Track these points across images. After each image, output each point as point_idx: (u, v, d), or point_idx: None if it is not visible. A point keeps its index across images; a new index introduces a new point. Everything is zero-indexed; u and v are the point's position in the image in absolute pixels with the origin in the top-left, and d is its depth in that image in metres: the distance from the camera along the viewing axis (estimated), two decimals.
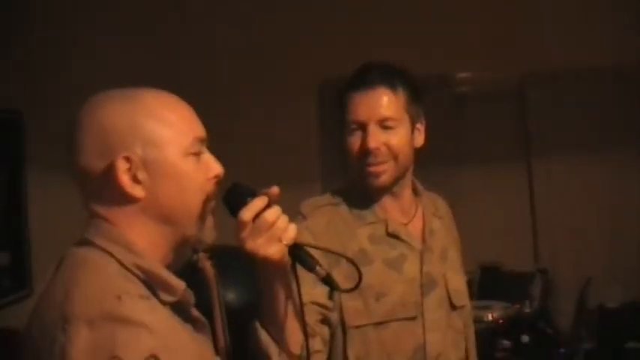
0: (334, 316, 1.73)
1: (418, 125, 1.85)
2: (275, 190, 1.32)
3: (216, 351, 1.33)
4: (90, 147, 1.17)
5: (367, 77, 1.79)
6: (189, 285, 1.23)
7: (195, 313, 1.25)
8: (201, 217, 1.23)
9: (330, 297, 1.71)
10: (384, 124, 1.77)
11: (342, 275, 1.52)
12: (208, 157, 1.25)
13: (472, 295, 3.58)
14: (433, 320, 1.80)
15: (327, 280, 1.36)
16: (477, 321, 3.08)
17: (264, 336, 1.46)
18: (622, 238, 4.28)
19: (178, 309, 1.19)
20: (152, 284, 1.15)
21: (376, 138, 1.75)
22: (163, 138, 1.17)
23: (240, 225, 1.29)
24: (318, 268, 1.34)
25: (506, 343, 3.16)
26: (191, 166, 1.20)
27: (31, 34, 3.34)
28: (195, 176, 1.21)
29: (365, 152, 1.76)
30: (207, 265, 1.34)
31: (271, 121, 4.52)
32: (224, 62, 4.53)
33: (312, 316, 1.62)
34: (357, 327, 1.75)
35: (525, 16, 4.34)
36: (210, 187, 1.24)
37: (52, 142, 3.31)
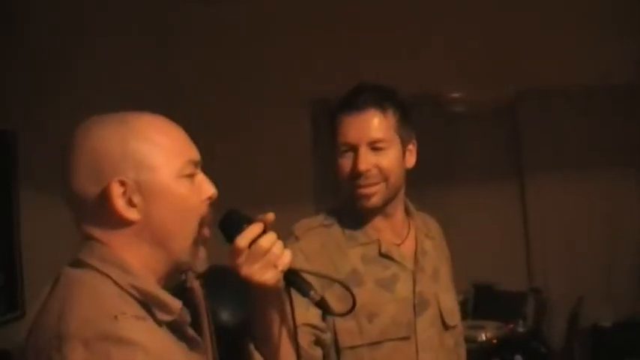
0: (327, 337, 1.73)
1: (410, 146, 1.86)
2: (270, 216, 1.33)
3: None
4: (83, 171, 1.17)
5: (357, 100, 1.79)
6: None
7: (190, 332, 1.25)
8: (195, 242, 1.23)
9: (323, 318, 1.71)
10: (374, 146, 1.77)
11: (335, 297, 1.53)
12: (202, 179, 1.25)
13: (466, 315, 3.59)
14: (426, 340, 1.80)
15: (321, 305, 1.37)
16: (471, 341, 3.09)
17: (258, 358, 1.47)
18: (615, 256, 4.29)
19: (174, 328, 1.19)
20: (148, 304, 1.15)
21: (366, 160, 1.76)
22: (156, 161, 1.18)
23: (236, 251, 1.30)
24: (312, 293, 1.35)
25: None
26: (185, 188, 1.21)
27: (26, 54, 3.35)
28: (189, 198, 1.21)
29: (356, 174, 1.76)
30: (196, 285, 1.34)
31: (264, 141, 4.54)
32: (218, 83, 4.55)
33: (305, 338, 1.62)
34: (351, 348, 1.74)
35: (517, 36, 4.37)
36: (204, 208, 1.24)
37: (46, 163, 3.32)
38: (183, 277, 1.31)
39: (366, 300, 1.72)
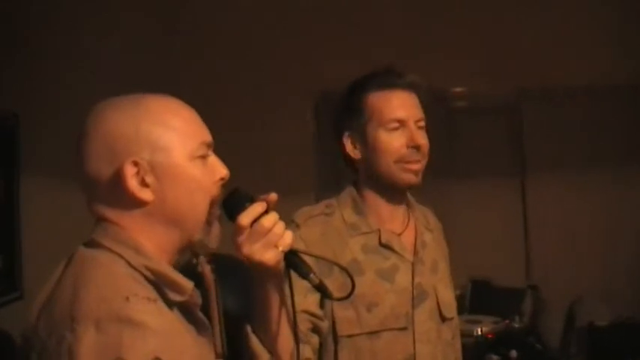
0: (325, 325, 1.74)
1: None
2: (273, 196, 1.35)
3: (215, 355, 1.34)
4: (97, 153, 1.19)
5: (400, 79, 1.84)
6: None
7: (200, 315, 1.26)
8: (208, 221, 1.25)
9: (321, 306, 1.73)
10: (419, 125, 1.82)
11: (334, 285, 1.53)
12: (214, 160, 1.27)
13: (463, 310, 3.60)
14: (423, 332, 1.81)
15: (321, 288, 1.38)
16: (466, 335, 3.09)
17: (255, 341, 1.47)
18: (614, 256, 4.29)
19: (185, 310, 1.21)
20: (161, 285, 1.17)
21: (420, 136, 1.80)
22: (170, 142, 1.20)
23: (238, 229, 1.31)
24: (312, 275, 1.36)
25: (495, 357, 3.16)
26: (198, 169, 1.22)
27: (27, 38, 3.35)
28: (202, 179, 1.23)
29: (412, 148, 1.79)
30: (207, 270, 1.35)
31: (267, 131, 4.53)
32: (221, 72, 4.54)
33: (303, 325, 1.64)
34: (349, 336, 1.76)
35: (521, 32, 4.36)
36: (216, 189, 1.26)
37: (47, 146, 3.34)
38: (194, 261, 1.32)
39: (366, 289, 1.73)
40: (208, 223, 1.25)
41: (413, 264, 1.85)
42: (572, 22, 4.30)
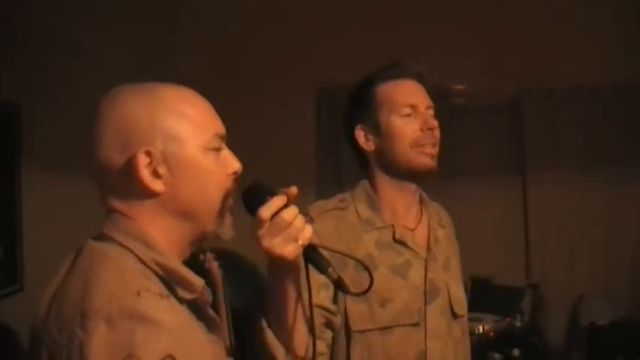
0: (338, 320, 1.73)
1: None
2: (294, 190, 1.33)
3: None
4: (110, 140, 1.16)
5: (410, 69, 1.86)
6: None
7: (210, 312, 1.24)
8: (221, 213, 1.23)
9: (334, 301, 1.72)
10: (429, 112, 1.83)
11: (348, 280, 1.52)
12: (227, 154, 1.25)
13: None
14: (435, 328, 1.81)
15: (338, 283, 1.37)
16: (468, 332, 3.09)
17: (270, 336, 1.48)
18: (614, 255, 4.29)
19: (195, 307, 1.19)
20: (171, 281, 1.15)
21: (434, 119, 1.81)
22: (184, 133, 1.17)
23: (259, 222, 1.30)
24: (330, 269, 1.35)
25: (497, 356, 3.15)
26: (211, 162, 1.20)
27: (29, 27, 3.34)
28: (215, 171, 1.21)
29: (428, 131, 1.79)
30: (215, 266, 1.33)
31: (268, 126, 4.53)
32: (221, 67, 4.53)
33: (316, 320, 1.62)
34: (362, 332, 1.75)
35: (522, 32, 4.37)
36: (229, 182, 1.23)
37: (49, 136, 3.33)
38: (202, 257, 1.31)
39: (380, 285, 1.72)
40: (221, 215, 1.23)
41: (426, 260, 1.84)
42: (572, 21, 4.31)
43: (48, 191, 3.37)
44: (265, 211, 1.30)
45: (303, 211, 1.57)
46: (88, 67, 3.54)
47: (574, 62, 4.29)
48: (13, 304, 3.12)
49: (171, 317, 1.07)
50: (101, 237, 1.17)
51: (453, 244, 2.01)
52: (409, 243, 1.82)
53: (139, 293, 1.06)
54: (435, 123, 1.81)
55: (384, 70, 1.86)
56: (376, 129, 1.83)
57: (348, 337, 1.75)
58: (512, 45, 4.37)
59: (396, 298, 1.76)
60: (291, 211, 1.31)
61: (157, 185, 1.16)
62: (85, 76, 3.53)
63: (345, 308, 1.74)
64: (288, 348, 1.48)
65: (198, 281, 1.18)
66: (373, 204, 1.84)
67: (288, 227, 1.30)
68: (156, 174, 1.15)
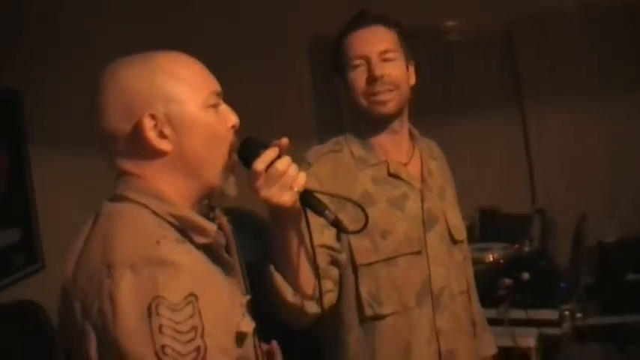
0: (343, 257, 1.82)
1: (410, 66, 1.96)
2: (285, 141, 1.42)
3: None
4: (114, 110, 1.24)
5: (363, 18, 1.90)
6: None
7: (225, 255, 1.33)
8: (226, 168, 1.31)
9: (338, 239, 1.80)
10: (384, 57, 1.87)
11: (348, 218, 1.61)
12: (225, 109, 1.34)
13: (473, 238, 3.65)
14: (436, 255, 1.90)
15: (336, 223, 1.45)
16: (478, 262, 3.16)
17: (279, 279, 1.59)
18: (617, 175, 4.32)
19: (210, 251, 1.27)
20: (186, 229, 1.23)
21: (381, 67, 1.85)
22: (183, 94, 1.26)
23: (254, 175, 1.39)
24: (327, 212, 1.44)
25: (507, 281, 3.23)
26: (212, 118, 1.29)
27: (30, 14, 3.35)
28: (217, 126, 1.30)
29: (372, 82, 1.85)
30: (224, 221, 1.41)
31: (265, 79, 4.55)
32: (214, 23, 4.53)
33: (322, 259, 1.72)
34: (368, 264, 1.84)
35: None
36: (230, 136, 1.33)
37: (51, 120, 3.37)
38: (211, 214, 1.38)
39: (379, 218, 1.82)
40: (227, 170, 1.32)
41: (421, 191, 1.93)
42: None
43: (56, 170, 3.43)
44: (260, 164, 1.38)
45: (301, 158, 1.64)
46: (88, 50, 3.53)
47: None
48: (36, 282, 3.20)
49: (189, 259, 1.15)
50: (116, 198, 1.25)
51: (447, 175, 2.10)
52: (403, 176, 1.91)
53: (158, 242, 1.14)
54: (381, 71, 1.84)
55: (347, 25, 1.92)
56: (345, 83, 1.91)
57: (355, 271, 1.84)
58: None
59: (396, 230, 1.85)
60: (284, 161, 1.39)
61: (164, 145, 1.24)
62: (85, 59, 3.54)
63: (349, 244, 1.83)
64: (296, 288, 1.59)
65: (210, 226, 1.27)
66: (366, 144, 1.94)
67: (283, 176, 1.39)
68: (162, 135, 1.24)
